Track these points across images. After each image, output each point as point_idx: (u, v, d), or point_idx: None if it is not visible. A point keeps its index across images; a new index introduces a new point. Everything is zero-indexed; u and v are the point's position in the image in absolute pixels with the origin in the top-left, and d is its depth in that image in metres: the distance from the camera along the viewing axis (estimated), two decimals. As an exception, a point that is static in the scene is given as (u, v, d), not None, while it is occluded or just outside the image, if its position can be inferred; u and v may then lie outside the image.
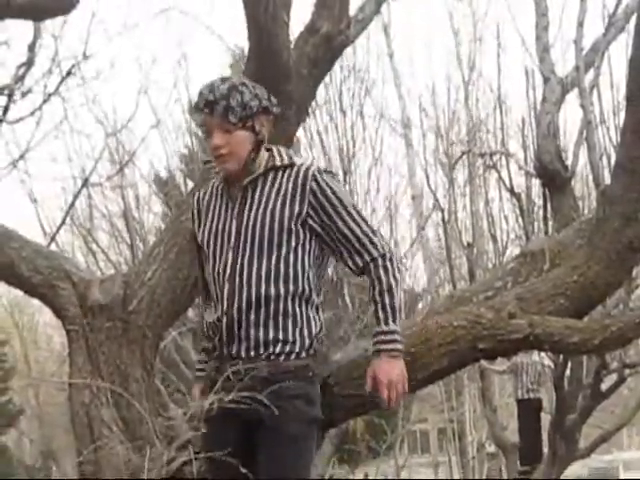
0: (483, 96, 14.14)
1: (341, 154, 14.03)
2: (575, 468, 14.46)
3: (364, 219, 3.37)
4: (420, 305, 16.87)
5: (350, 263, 3.36)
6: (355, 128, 14.29)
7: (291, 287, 3.28)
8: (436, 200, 14.06)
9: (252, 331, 3.28)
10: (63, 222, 10.95)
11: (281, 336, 3.28)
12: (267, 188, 3.33)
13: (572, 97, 7.91)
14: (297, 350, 3.30)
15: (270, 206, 3.30)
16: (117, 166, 13.28)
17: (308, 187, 3.28)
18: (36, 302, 5.64)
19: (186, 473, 4.81)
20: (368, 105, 14.80)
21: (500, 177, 11.49)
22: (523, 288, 5.11)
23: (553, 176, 7.34)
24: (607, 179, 5.58)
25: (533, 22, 7.86)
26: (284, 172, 3.34)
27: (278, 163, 3.35)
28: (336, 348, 5.55)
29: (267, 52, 4.83)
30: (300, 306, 3.31)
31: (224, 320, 3.30)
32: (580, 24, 7.52)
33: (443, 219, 13.28)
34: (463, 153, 13.81)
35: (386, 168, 15.86)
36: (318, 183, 3.28)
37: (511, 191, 11.07)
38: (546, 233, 8.47)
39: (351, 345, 5.63)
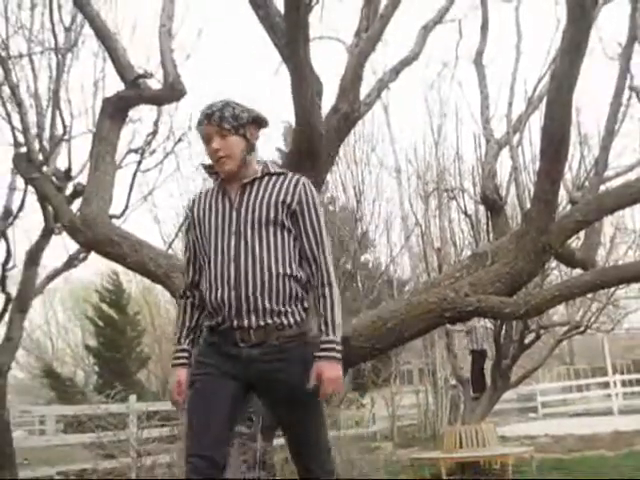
0: (447, 151, 14.06)
1: (355, 190, 14.06)
2: (508, 394, 14.35)
3: (325, 237, 2.77)
4: (406, 288, 16.81)
5: (303, 264, 2.76)
6: (364, 173, 14.33)
7: (287, 267, 2.68)
8: (416, 219, 14.08)
9: (260, 303, 2.63)
10: (176, 235, 11.04)
11: (285, 308, 2.66)
12: (263, 185, 2.78)
13: (505, 152, 7.87)
14: (299, 320, 2.70)
15: (266, 199, 2.74)
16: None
17: (299, 187, 2.77)
18: (159, 287, 5.67)
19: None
20: (372, 158, 14.82)
21: (458, 204, 11.47)
22: (473, 277, 5.10)
23: (493, 203, 7.30)
24: (528, 205, 5.54)
25: (479, 103, 7.83)
26: (278, 177, 2.81)
27: (272, 170, 2.84)
28: (352, 316, 5.52)
29: (307, 124, 4.84)
30: (293, 283, 2.70)
31: (233, 295, 2.64)
32: (510, 104, 7.52)
33: (421, 231, 13.26)
34: (434, 189, 13.74)
35: (384, 199, 15.90)
36: (305, 187, 2.78)
37: (465, 213, 11.03)
38: (489, 240, 8.42)
39: (362, 314, 5.61)
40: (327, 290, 2.71)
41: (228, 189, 2.83)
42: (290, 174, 2.85)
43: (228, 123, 2.75)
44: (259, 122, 2.86)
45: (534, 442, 12.28)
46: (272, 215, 2.72)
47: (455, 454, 9.07)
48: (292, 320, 2.69)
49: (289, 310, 2.69)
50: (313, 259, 2.74)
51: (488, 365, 10.79)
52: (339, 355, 2.65)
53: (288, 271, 2.70)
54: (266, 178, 2.82)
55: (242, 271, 2.67)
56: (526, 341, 10.29)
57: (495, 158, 7.63)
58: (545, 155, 4.70)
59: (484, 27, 7.59)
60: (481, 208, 9.99)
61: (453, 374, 12.46)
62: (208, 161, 2.91)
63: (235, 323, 2.67)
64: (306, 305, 2.75)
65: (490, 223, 8.16)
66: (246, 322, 2.66)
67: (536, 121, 7.82)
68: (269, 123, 2.91)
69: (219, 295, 2.68)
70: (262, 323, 2.65)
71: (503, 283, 4.94)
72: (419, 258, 15.19)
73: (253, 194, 2.78)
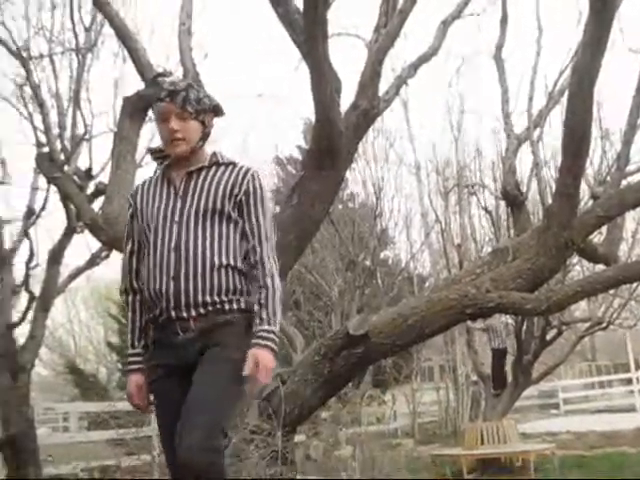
0: (467, 147, 14.01)
1: (374, 187, 14.04)
2: (529, 391, 14.25)
3: (269, 229, 2.64)
4: (427, 284, 16.78)
5: (248, 254, 2.59)
6: (383, 170, 14.31)
7: (230, 259, 2.54)
8: (436, 216, 14.04)
9: (200, 297, 2.50)
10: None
11: (226, 299, 2.53)
12: (210, 176, 2.62)
13: (525, 147, 7.84)
14: (235, 308, 2.54)
15: (213, 189, 2.59)
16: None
17: (248, 177, 2.62)
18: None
19: (277, 394, 4.82)
20: (391, 154, 14.78)
21: (478, 200, 11.46)
22: (495, 273, 5.06)
23: (513, 199, 7.25)
24: (549, 200, 5.50)
25: (499, 98, 7.80)
26: (226, 167, 2.65)
27: (221, 160, 2.66)
28: (372, 313, 5.50)
29: (327, 121, 4.83)
30: (236, 275, 2.56)
31: (172, 286, 2.50)
32: (530, 99, 7.49)
33: (441, 228, 13.24)
34: (454, 185, 13.72)
35: (404, 195, 15.91)
36: (254, 178, 2.63)
37: (485, 209, 11.00)
38: (509, 237, 8.37)
39: (382, 311, 5.59)
40: (269, 280, 2.55)
41: (173, 176, 2.65)
42: (240, 164, 2.69)
43: (191, 106, 2.59)
44: (217, 111, 2.70)
45: (555, 439, 12.19)
46: (218, 205, 2.57)
47: (476, 451, 9.02)
48: (235, 306, 2.55)
49: (231, 300, 2.54)
50: (254, 249, 2.59)
51: (509, 361, 10.74)
52: (276, 347, 2.50)
53: (232, 263, 2.55)
54: (214, 167, 2.65)
55: (182, 262, 2.51)
56: (548, 337, 10.23)
57: (515, 153, 7.59)
58: (567, 150, 4.66)
59: (503, 21, 7.54)
60: (502, 204, 9.96)
61: (474, 370, 12.43)
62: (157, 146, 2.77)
63: (174, 314, 2.52)
64: (249, 298, 2.57)
65: (511, 219, 8.12)
66: (185, 314, 2.51)
67: (557, 116, 7.77)
68: (225, 113, 2.74)
69: (157, 286, 2.53)
70: (202, 311, 2.51)
71: (524, 279, 4.91)
72: (439, 255, 15.17)
73: (199, 183, 2.61)
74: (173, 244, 2.53)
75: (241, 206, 2.60)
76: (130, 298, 2.69)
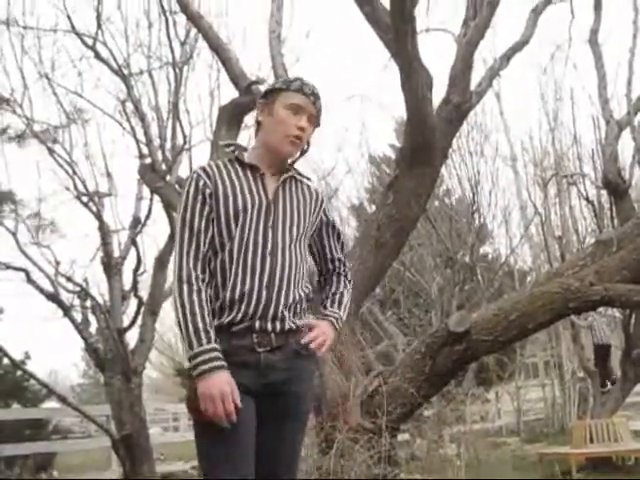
0: (564, 137, 13.58)
1: (470, 182, 13.84)
2: (641, 386, 13.67)
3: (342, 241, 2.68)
4: (528, 279, 16.38)
5: (323, 268, 2.64)
6: (478, 164, 14.06)
7: (305, 281, 2.45)
8: (535, 208, 13.71)
9: (285, 311, 2.33)
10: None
11: (297, 319, 2.37)
12: (295, 190, 2.49)
13: (626, 133, 7.56)
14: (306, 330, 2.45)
15: (302, 207, 2.46)
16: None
17: (323, 206, 2.57)
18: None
19: (379, 393, 4.83)
20: (486, 148, 14.51)
21: (579, 190, 11.11)
22: (598, 265, 4.91)
23: (615, 187, 7.01)
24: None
25: (596, 83, 7.56)
26: (302, 184, 2.53)
27: (298, 177, 2.54)
28: (473, 310, 5.42)
29: (419, 117, 4.80)
30: (304, 295, 2.44)
31: (264, 294, 2.30)
32: (629, 82, 7.28)
33: (541, 220, 12.92)
34: (552, 175, 13.32)
35: (501, 189, 15.61)
36: (327, 209, 2.61)
37: (587, 199, 10.68)
38: (613, 227, 8.08)
39: (483, 307, 5.50)
40: (345, 285, 2.62)
41: (265, 175, 2.44)
42: (312, 185, 2.59)
43: (319, 116, 2.49)
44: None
45: (672, 436, 11.63)
46: (307, 224, 2.48)
47: (585, 449, 8.73)
48: (303, 328, 2.43)
49: (300, 321, 2.42)
50: (336, 259, 2.64)
51: (617, 357, 10.33)
52: (337, 329, 2.55)
53: (304, 283, 2.43)
54: (295, 181, 2.52)
55: (278, 270, 2.33)
56: (658, 329, 9.77)
57: (616, 140, 7.35)
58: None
59: (598, 5, 7.29)
60: (604, 193, 9.62)
61: (581, 366, 12.03)
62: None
63: (257, 325, 2.30)
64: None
65: (614, 208, 7.84)
66: (270, 325, 2.31)
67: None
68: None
69: (246, 290, 2.29)
70: (287, 327, 2.34)
71: (630, 270, 4.73)
72: (540, 248, 14.78)
73: (287, 193, 2.46)
74: (269, 249, 2.34)
75: (315, 231, 2.57)
76: (206, 287, 2.31)
